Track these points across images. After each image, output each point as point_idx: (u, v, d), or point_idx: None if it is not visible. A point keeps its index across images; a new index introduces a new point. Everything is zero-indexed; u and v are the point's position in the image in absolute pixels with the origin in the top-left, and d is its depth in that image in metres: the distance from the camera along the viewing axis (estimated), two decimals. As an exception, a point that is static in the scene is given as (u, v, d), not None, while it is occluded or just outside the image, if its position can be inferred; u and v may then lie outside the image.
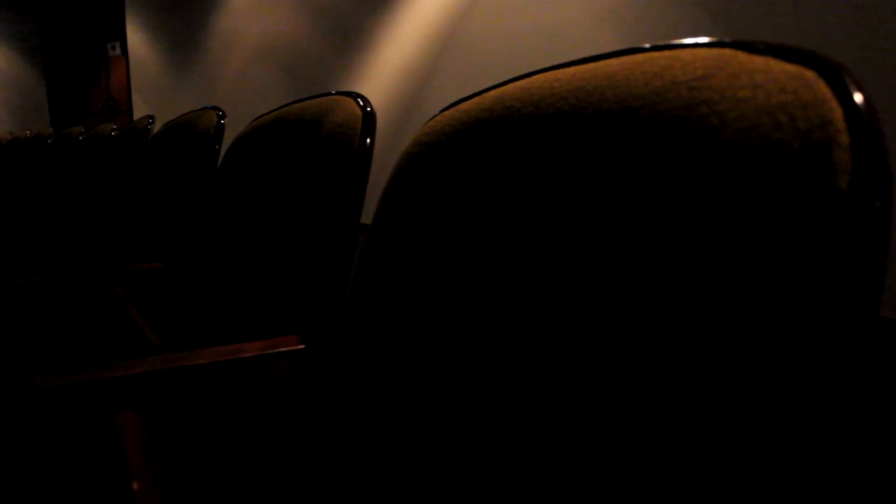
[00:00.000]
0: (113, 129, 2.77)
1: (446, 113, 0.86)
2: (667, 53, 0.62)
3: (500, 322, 0.66)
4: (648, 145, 0.56)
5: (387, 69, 5.93)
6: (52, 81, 11.05)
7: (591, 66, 0.70)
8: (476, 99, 0.83)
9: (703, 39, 0.61)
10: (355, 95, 1.11)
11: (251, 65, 7.55)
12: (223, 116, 1.61)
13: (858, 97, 0.45)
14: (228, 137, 2.02)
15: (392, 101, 5.01)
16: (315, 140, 1.11)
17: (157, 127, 2.56)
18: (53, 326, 1.32)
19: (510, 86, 0.80)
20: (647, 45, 0.66)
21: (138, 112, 9.09)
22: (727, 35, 0.59)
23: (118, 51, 9.99)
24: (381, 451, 0.76)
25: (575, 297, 0.58)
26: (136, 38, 9.16)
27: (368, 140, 0.99)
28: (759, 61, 0.53)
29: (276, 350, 0.88)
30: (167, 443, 0.73)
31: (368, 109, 1.05)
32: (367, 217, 1.08)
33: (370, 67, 6.09)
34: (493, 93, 0.81)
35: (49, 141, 3.89)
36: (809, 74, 0.48)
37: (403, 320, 0.78)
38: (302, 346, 0.90)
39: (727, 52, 0.56)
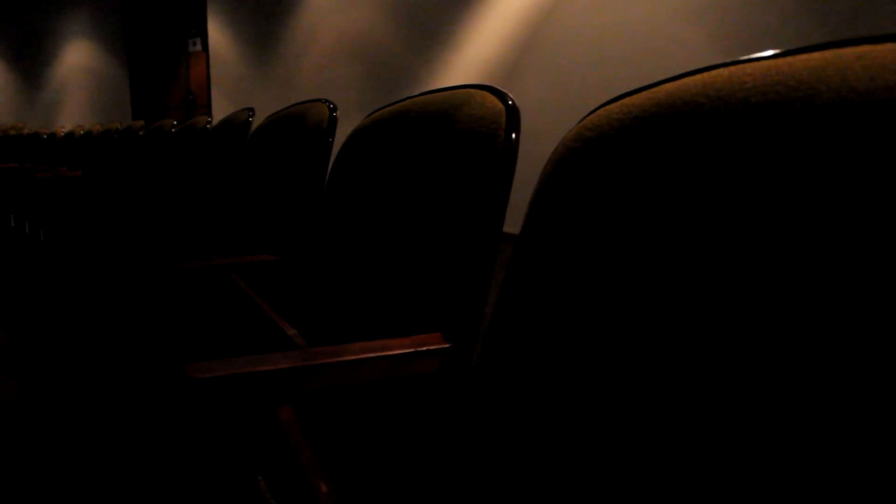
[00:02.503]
0: (208, 122, 2.80)
1: (609, 107, 0.82)
2: (889, 46, 0.58)
3: (683, 345, 0.62)
4: (890, 142, 0.52)
5: (469, 66, 5.89)
6: (134, 76, 11.35)
7: (788, 60, 0.66)
8: (645, 93, 0.79)
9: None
10: (491, 89, 1.08)
11: (330, 61, 7.61)
12: (335, 109, 1.60)
13: None
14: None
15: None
16: (449, 134, 1.08)
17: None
18: (182, 314, 1.32)
19: (685, 80, 0.75)
20: (859, 37, 0.61)
21: (217, 107, 9.26)
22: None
23: (199, 46, 10.19)
24: (539, 472, 0.73)
25: (797, 321, 0.53)
26: (217, 34, 9.33)
27: (514, 135, 0.96)
28: None
29: (424, 348, 0.86)
30: (325, 440, 0.71)
31: (510, 103, 1.01)
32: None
33: (452, 64, 6.07)
34: (667, 86, 0.76)
35: (140, 133, 3.96)
36: None
37: (565, 333, 0.74)
38: (448, 345, 0.87)
39: (978, 42, 0.51)
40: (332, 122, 1.56)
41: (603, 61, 4.66)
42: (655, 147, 0.72)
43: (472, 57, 5.88)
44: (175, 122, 3.43)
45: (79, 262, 3.61)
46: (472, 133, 1.02)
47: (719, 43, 4.14)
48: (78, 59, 12.45)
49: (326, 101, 1.65)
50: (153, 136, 3.62)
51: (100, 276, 2.43)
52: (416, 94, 1.29)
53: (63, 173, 4.63)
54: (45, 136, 6.97)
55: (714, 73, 0.73)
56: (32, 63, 13.48)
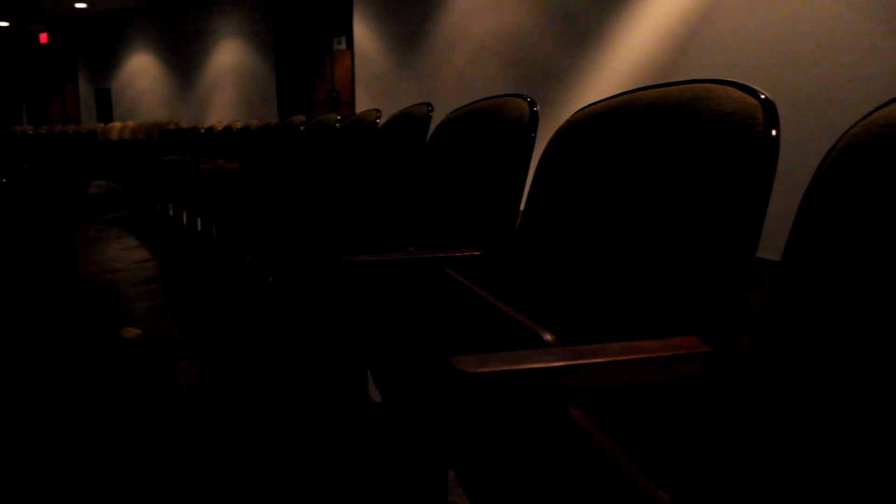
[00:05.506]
0: (377, 117, 2.85)
1: (903, 102, 0.76)
2: None
3: None
4: None
5: (621, 67, 5.79)
6: (281, 74, 11.77)
7: None
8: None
9: None
10: (736, 83, 1.04)
11: (476, 61, 7.65)
12: (534, 104, 1.59)
13: None
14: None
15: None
16: (690, 130, 1.04)
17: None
18: (394, 307, 1.34)
19: None
20: None
21: (361, 103, 9.48)
22: None
23: (343, 45, 10.47)
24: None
25: None
26: (362, 33, 9.55)
27: (774, 131, 0.91)
28: None
29: (688, 351, 0.83)
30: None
31: (764, 97, 0.97)
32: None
33: (603, 64, 5.97)
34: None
35: (301, 128, 4.08)
36: None
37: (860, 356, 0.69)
38: (709, 349, 0.84)
39: None
40: (534, 117, 1.55)
41: (770, 60, 4.45)
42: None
43: (625, 57, 5.77)
44: (339, 118, 3.51)
45: (255, 252, 3.76)
46: (720, 129, 0.98)
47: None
48: (228, 57, 13.06)
49: (523, 95, 1.64)
50: (316, 131, 3.72)
51: (289, 265, 2.51)
52: (636, 89, 1.26)
53: (222, 165, 4.85)
54: (202, 131, 7.31)
55: None
56: (187, 61, 14.27)
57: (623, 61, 5.80)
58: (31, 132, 13.62)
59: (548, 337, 0.87)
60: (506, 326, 0.96)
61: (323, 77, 11.09)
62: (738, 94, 1.01)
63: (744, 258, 0.87)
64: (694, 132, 1.03)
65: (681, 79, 1.20)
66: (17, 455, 2.14)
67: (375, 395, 2.35)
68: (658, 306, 0.97)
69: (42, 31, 17.82)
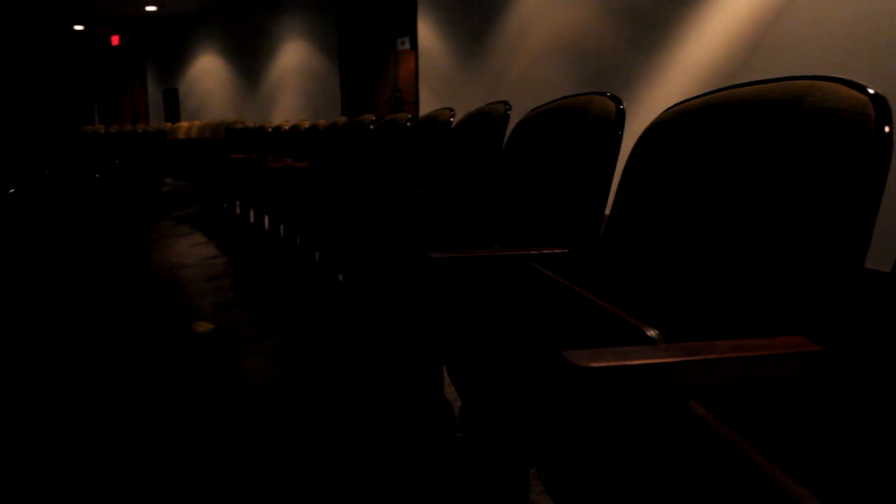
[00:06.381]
0: (451, 117, 2.86)
1: None
2: None
3: None
4: None
5: (688, 67, 5.68)
6: (345, 74, 11.90)
7: None
8: None
9: None
10: (842, 80, 1.02)
11: (540, 60, 7.61)
12: (620, 102, 1.58)
13: None
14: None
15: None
16: (792, 126, 1.03)
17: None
18: (500, 303, 1.35)
19: None
20: None
21: (424, 103, 9.51)
22: None
23: (407, 45, 10.53)
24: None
25: None
26: (427, 33, 9.58)
27: (887, 128, 0.90)
28: None
29: (799, 350, 0.81)
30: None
31: (873, 92, 0.95)
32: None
33: (669, 65, 5.87)
34: None
35: (371, 127, 4.12)
36: None
37: None
38: (820, 348, 0.83)
39: None
40: (620, 115, 1.55)
41: (849, 59, 4.29)
42: None
43: (694, 57, 5.66)
44: (410, 117, 3.54)
45: (325, 249, 3.81)
46: (827, 125, 0.97)
47: None
48: (293, 58, 13.26)
49: (608, 94, 1.63)
50: (386, 130, 3.75)
51: (362, 262, 2.54)
52: (729, 86, 1.25)
53: (290, 164, 4.92)
54: (269, 130, 7.43)
55: None
56: (252, 62, 14.54)
57: (692, 59, 5.71)
58: (102, 131, 14.03)
59: (652, 333, 0.87)
60: (606, 323, 0.96)
61: (386, 77, 11.18)
62: (844, 90, 0.99)
63: (854, 258, 0.86)
64: (798, 128, 1.01)
65: (753, 77, 1.18)
66: (99, 441, 2.21)
67: (449, 393, 2.36)
68: (760, 305, 0.96)
69: (114, 33, 18.37)
